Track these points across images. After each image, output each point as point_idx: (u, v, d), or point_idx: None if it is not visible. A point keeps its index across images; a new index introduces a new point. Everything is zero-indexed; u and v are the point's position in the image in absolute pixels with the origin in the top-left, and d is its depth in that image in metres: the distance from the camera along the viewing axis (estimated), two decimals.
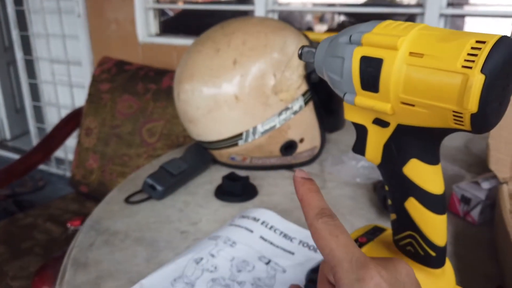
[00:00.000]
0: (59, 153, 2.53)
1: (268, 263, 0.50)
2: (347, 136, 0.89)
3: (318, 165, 0.78)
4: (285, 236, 0.54)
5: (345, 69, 0.31)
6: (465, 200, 0.58)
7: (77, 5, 2.11)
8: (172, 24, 2.20)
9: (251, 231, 0.54)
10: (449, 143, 0.81)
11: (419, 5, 1.44)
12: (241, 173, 0.69)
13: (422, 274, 0.33)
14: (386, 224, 0.42)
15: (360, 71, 0.30)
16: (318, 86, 0.73)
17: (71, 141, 1.79)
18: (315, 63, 0.35)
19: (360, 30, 0.31)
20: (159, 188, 0.64)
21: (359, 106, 0.32)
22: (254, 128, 0.70)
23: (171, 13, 2.48)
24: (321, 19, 2.47)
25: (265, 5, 1.67)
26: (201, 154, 0.75)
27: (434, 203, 0.32)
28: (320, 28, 2.42)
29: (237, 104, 0.69)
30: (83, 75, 2.25)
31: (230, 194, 0.66)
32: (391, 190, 0.34)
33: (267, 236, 0.54)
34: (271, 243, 0.53)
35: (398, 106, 0.30)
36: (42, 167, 2.65)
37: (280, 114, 0.70)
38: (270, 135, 0.71)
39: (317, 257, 0.51)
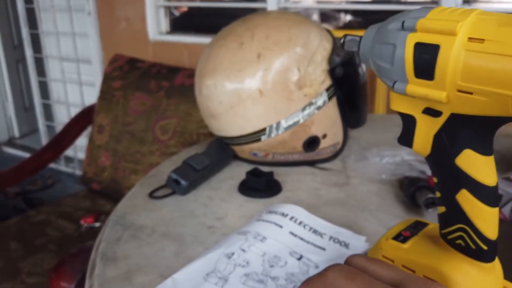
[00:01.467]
0: (68, 151, 2.53)
1: (300, 258, 0.49)
2: (368, 133, 0.88)
3: (340, 161, 0.77)
4: (315, 231, 0.54)
5: (397, 56, 0.31)
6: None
7: (87, 3, 2.11)
8: (178, 24, 2.20)
9: (281, 227, 0.53)
10: None
11: (433, 2, 1.43)
12: (264, 169, 0.68)
13: (474, 268, 0.32)
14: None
15: (414, 58, 0.30)
16: (341, 81, 0.72)
17: (81, 140, 1.79)
18: (360, 51, 0.34)
19: (413, 16, 0.30)
20: (183, 183, 0.64)
21: (410, 95, 0.31)
22: (278, 124, 0.69)
23: (176, 13, 2.47)
24: (325, 19, 2.46)
25: (277, 2, 1.67)
26: (223, 150, 0.74)
27: (487, 195, 0.31)
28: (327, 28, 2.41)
29: (260, 98, 0.68)
30: (93, 73, 2.25)
31: (255, 189, 0.65)
32: (441, 182, 0.33)
33: (297, 232, 0.53)
34: (302, 239, 0.52)
35: (454, 94, 0.29)
36: (51, 165, 2.65)
37: (303, 109, 0.70)
38: (294, 131, 0.71)
39: (348, 253, 0.50)
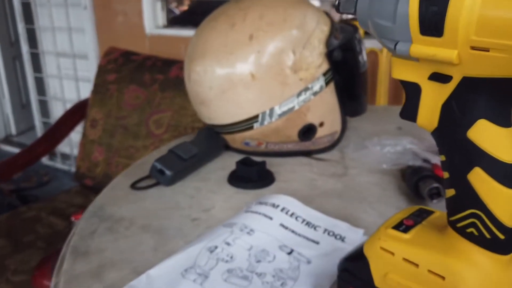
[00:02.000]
0: (64, 148, 2.50)
1: (290, 253, 0.44)
2: (369, 124, 0.83)
3: (338, 151, 0.72)
4: (308, 224, 0.49)
5: (400, 11, 0.26)
6: None
7: None
8: (178, 22, 2.15)
9: (270, 218, 0.48)
10: None
11: None
12: (256, 159, 0.63)
13: (488, 261, 0.28)
14: None
15: (419, 11, 0.25)
16: (340, 66, 0.67)
17: (77, 136, 1.75)
18: (357, 12, 0.30)
19: None
20: (168, 173, 0.59)
21: (414, 57, 0.26)
22: (271, 110, 0.65)
23: (177, 11, 2.43)
24: None
25: None
26: (213, 139, 0.69)
27: (505, 173, 0.26)
28: None
29: (253, 83, 0.63)
30: (89, 68, 2.21)
31: (245, 180, 0.60)
32: (450, 159, 0.28)
33: (288, 224, 0.48)
34: (293, 231, 0.47)
35: (467, 52, 0.24)
36: (47, 162, 2.62)
37: (299, 94, 0.65)
38: (288, 118, 0.66)
39: (345, 247, 0.45)
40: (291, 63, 0.64)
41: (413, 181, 0.55)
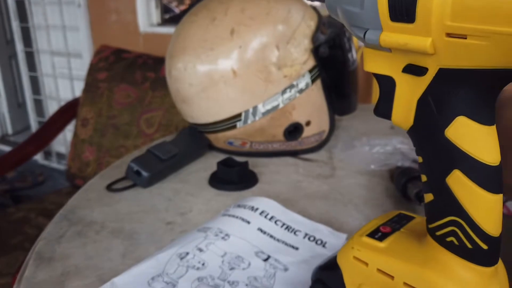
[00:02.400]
0: (60, 147, 2.48)
1: (266, 259, 0.41)
2: (359, 123, 0.80)
3: (326, 151, 0.69)
4: (288, 228, 0.46)
5: None
6: None
7: None
8: (178, 21, 2.13)
9: (248, 222, 0.46)
10: None
11: None
12: (240, 159, 0.60)
13: (470, 273, 0.25)
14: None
15: None
16: (327, 62, 0.64)
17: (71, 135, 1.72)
18: (326, 0, 0.27)
19: None
20: (144, 174, 0.57)
21: (385, 47, 0.24)
22: (254, 108, 0.62)
23: (177, 10, 2.41)
24: None
25: None
26: (195, 138, 0.67)
27: (487, 176, 0.23)
28: None
29: (234, 80, 0.60)
30: (84, 67, 2.18)
31: (226, 181, 0.57)
32: (427, 161, 0.25)
33: (266, 228, 0.45)
34: (271, 236, 0.45)
35: (443, 40, 0.21)
36: (42, 162, 2.60)
37: (283, 92, 0.62)
38: (273, 117, 0.63)
39: (325, 253, 0.43)
40: (275, 59, 0.61)
41: (401, 183, 0.52)
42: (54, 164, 2.54)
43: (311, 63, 0.63)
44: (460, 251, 0.25)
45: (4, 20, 2.80)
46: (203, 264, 0.40)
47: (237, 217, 0.46)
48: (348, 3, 0.25)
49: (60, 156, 2.51)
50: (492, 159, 0.23)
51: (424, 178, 0.26)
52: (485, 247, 0.24)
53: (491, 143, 0.23)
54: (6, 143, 2.88)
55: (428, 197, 0.26)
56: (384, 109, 0.27)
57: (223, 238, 0.43)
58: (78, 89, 2.24)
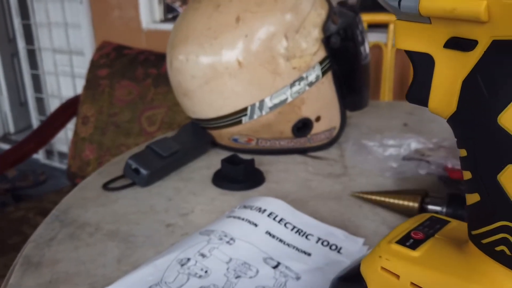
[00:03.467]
0: (62, 147, 2.45)
1: (276, 266, 0.37)
2: (371, 119, 0.76)
3: (337, 149, 0.65)
4: (299, 231, 0.42)
5: None
6: None
7: None
8: None
9: (255, 225, 0.42)
10: None
11: None
12: (245, 157, 0.57)
13: None
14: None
15: None
16: (338, 53, 0.60)
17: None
18: None
19: None
20: (143, 172, 0.53)
21: (426, 15, 0.20)
22: (261, 102, 0.58)
23: (180, 10, 2.38)
24: None
25: None
26: (198, 135, 0.63)
27: None
28: None
29: (240, 71, 0.56)
30: (86, 65, 2.14)
31: (231, 180, 0.53)
32: (474, 155, 0.21)
33: (275, 232, 0.41)
34: (281, 241, 0.41)
35: (500, 2, 0.17)
36: (44, 161, 2.57)
37: (292, 85, 0.58)
38: (280, 111, 0.59)
39: (341, 259, 0.39)
40: (283, 49, 0.57)
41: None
42: (56, 163, 2.51)
43: (321, 54, 0.59)
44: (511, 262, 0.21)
45: (6, 18, 2.78)
46: (206, 272, 0.36)
47: (243, 219, 0.42)
48: None
49: (62, 155, 2.48)
50: None
51: (467, 175, 0.22)
52: None
53: None
54: (8, 142, 2.86)
55: (473, 198, 0.22)
56: (419, 93, 0.23)
57: (228, 242, 0.39)
58: (80, 87, 2.21)
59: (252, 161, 0.55)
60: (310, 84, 0.59)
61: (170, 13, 2.10)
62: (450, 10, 0.19)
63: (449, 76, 0.21)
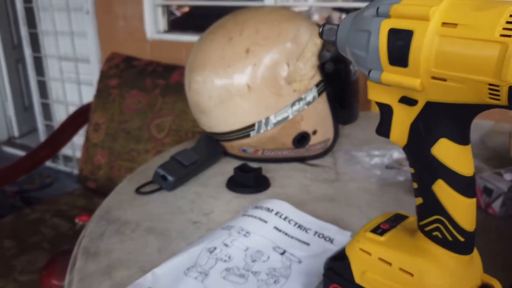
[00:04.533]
0: (67, 150, 2.53)
1: (283, 253, 0.48)
2: (361, 131, 0.87)
3: (331, 158, 0.76)
4: (300, 227, 0.53)
5: (372, 43, 0.30)
6: (487, 191, 0.56)
7: (86, 2, 2.11)
8: (179, 24, 2.19)
9: (265, 222, 0.52)
10: None
11: None
12: (253, 165, 0.67)
13: (451, 260, 0.32)
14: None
15: (388, 44, 0.29)
16: (331, 77, 0.71)
17: (79, 139, 1.79)
18: (337, 40, 0.34)
19: (388, 1, 0.29)
20: (170, 178, 0.63)
21: (385, 83, 0.31)
22: (267, 119, 0.69)
23: (177, 13, 2.47)
24: (328, 20, 2.45)
25: (274, 1, 1.66)
26: (212, 146, 0.73)
27: (464, 185, 0.30)
28: None
29: (249, 94, 0.67)
30: (91, 72, 2.25)
31: (243, 185, 0.64)
32: (418, 172, 0.32)
33: (281, 227, 0.52)
34: (286, 234, 0.51)
35: (429, 81, 0.28)
36: (49, 164, 2.65)
37: (293, 104, 0.69)
38: (283, 127, 0.70)
39: (333, 248, 0.50)
40: (285, 74, 0.68)
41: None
42: (61, 166, 2.60)
43: (317, 78, 0.70)
44: (443, 242, 0.32)
45: (11, 25, 2.87)
46: (229, 257, 0.47)
47: (255, 217, 0.53)
48: (356, 48, 0.32)
49: (67, 159, 2.57)
50: (467, 172, 0.30)
51: (415, 185, 0.33)
52: (462, 239, 0.31)
53: (466, 159, 0.30)
54: (12, 145, 2.95)
55: (419, 200, 0.33)
56: (384, 130, 0.33)
57: (244, 235, 0.50)
58: (85, 93, 2.31)
59: (260, 169, 0.66)
60: (308, 104, 0.70)
61: (169, 16, 2.18)
62: (398, 82, 0.30)
63: (402, 120, 0.32)
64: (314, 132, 0.73)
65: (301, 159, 0.75)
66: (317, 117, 0.72)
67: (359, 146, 0.78)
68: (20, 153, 2.79)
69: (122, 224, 0.56)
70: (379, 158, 0.70)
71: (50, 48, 2.39)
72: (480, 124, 0.91)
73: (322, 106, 0.72)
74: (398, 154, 0.70)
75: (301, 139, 0.72)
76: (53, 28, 2.29)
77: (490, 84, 0.25)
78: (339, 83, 0.73)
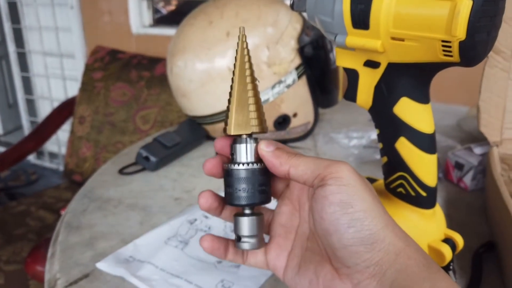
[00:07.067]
0: (52, 146, 2.52)
1: None
2: (341, 114, 0.89)
3: (311, 140, 0.78)
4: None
5: (336, 9, 0.32)
6: (459, 166, 0.59)
7: None
8: (165, 23, 2.19)
9: None
10: (442, 122, 0.82)
11: None
12: None
13: (414, 214, 0.34)
14: None
15: (350, 9, 0.31)
16: (311, 61, 0.73)
17: (64, 135, 1.78)
18: (307, 10, 0.36)
19: None
20: (152, 159, 0.64)
21: (350, 47, 0.32)
22: None
23: (164, 11, 2.47)
24: None
25: None
26: (195, 129, 0.75)
27: (424, 142, 0.32)
28: None
29: (230, 76, 0.69)
30: (76, 67, 2.24)
31: None
32: (382, 132, 0.34)
33: None
34: None
35: (389, 42, 0.30)
36: (35, 161, 2.63)
37: (273, 87, 0.71)
38: (264, 109, 0.71)
39: None
40: (265, 58, 0.69)
41: None
42: (46, 163, 2.58)
43: (297, 61, 0.72)
44: (407, 198, 0.34)
45: None
46: (209, 228, 0.48)
47: None
48: (323, 14, 0.33)
49: (52, 155, 2.55)
50: (427, 129, 0.32)
51: (381, 145, 0.35)
52: (424, 194, 0.33)
53: (426, 117, 0.32)
54: None
55: (384, 159, 0.35)
56: (351, 94, 0.35)
57: None
58: (70, 88, 2.29)
59: None
60: (288, 86, 0.72)
61: (155, 14, 2.19)
62: (362, 45, 0.31)
63: (367, 83, 0.34)
64: (295, 115, 0.74)
65: (283, 142, 0.76)
66: (298, 100, 0.74)
67: (338, 129, 0.80)
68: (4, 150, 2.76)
69: (104, 201, 0.57)
70: (357, 139, 0.72)
71: (35, 44, 2.37)
72: (456, 110, 0.94)
73: (302, 89, 0.74)
74: (376, 135, 0.72)
75: (282, 121, 0.74)
76: (37, 24, 2.28)
77: (443, 41, 0.27)
78: (318, 66, 0.75)
